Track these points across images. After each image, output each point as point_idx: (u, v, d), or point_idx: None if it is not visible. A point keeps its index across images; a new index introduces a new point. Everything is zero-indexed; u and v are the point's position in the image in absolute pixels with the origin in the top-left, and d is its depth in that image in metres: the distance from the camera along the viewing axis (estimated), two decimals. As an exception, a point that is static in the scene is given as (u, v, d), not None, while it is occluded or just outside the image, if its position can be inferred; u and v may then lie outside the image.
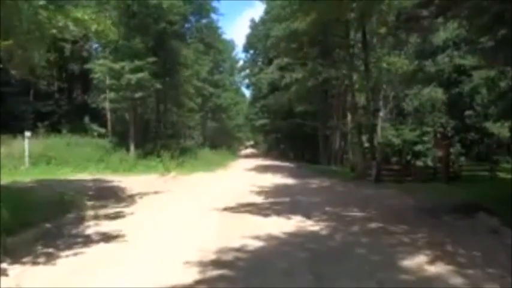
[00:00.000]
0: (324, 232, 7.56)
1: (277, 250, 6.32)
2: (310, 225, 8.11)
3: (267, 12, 43.22)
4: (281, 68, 36.53)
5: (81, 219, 9.04)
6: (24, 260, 5.85)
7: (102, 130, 30.65)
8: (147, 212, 10.20)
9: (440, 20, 15.54)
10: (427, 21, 13.82)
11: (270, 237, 7.02)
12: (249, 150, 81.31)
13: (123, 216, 9.39)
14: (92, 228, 8.16)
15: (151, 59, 22.95)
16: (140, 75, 22.34)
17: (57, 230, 7.99)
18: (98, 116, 32.44)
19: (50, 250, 6.43)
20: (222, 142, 48.13)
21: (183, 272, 5.25)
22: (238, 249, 6.21)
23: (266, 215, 9.34)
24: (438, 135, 29.74)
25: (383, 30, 22.16)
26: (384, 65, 26.97)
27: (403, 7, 14.30)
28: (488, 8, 10.59)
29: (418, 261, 5.56)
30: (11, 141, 21.17)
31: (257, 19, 51.44)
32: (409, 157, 29.40)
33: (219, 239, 6.96)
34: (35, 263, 5.75)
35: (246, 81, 58.58)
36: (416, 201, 11.29)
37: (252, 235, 7.07)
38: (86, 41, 28.96)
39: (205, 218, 9.14)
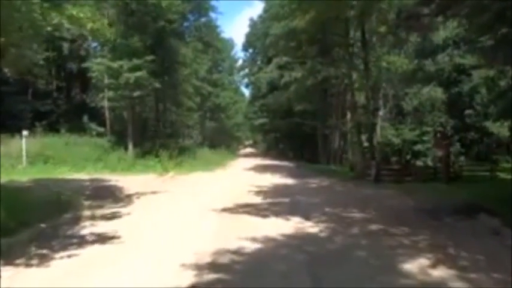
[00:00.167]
0: (323, 234, 7.43)
1: (275, 252, 6.19)
2: (309, 227, 7.98)
3: (265, 10, 43.09)
4: (280, 67, 36.41)
5: (77, 220, 8.92)
6: (18, 261, 5.75)
7: (101, 129, 30.50)
8: (144, 212, 10.09)
9: (440, 18, 15.47)
10: (427, 20, 13.73)
11: (268, 239, 6.90)
12: (248, 150, 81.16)
13: (120, 217, 9.28)
14: (87, 228, 8.05)
15: (150, 58, 22.80)
16: (138, 74, 22.19)
17: (52, 230, 7.87)
18: (96, 115, 32.31)
19: (44, 251, 6.32)
20: (221, 141, 47.99)
21: (178, 275, 5.13)
22: (235, 252, 6.08)
23: (264, 216, 9.22)
24: (438, 135, 29.63)
25: (383, 29, 22.05)
26: (384, 64, 26.86)
27: (403, 5, 14.17)
28: (489, 6, 10.49)
29: (419, 265, 5.43)
30: (8, 140, 21.04)
31: (256, 18, 51.37)
32: (408, 157, 29.31)
33: (217, 240, 6.84)
34: (28, 265, 5.64)
35: (245, 80, 58.54)
36: (416, 202, 11.17)
37: (250, 237, 6.94)
38: (84, 39, 28.83)
39: (203, 219, 9.02)
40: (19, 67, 11.78)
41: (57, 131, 26.81)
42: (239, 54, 60.69)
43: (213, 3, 36.20)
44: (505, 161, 28.77)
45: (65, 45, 30.23)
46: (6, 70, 14.97)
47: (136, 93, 23.29)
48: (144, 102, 27.85)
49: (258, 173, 23.23)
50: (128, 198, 12.16)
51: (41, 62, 30.96)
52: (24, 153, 20.20)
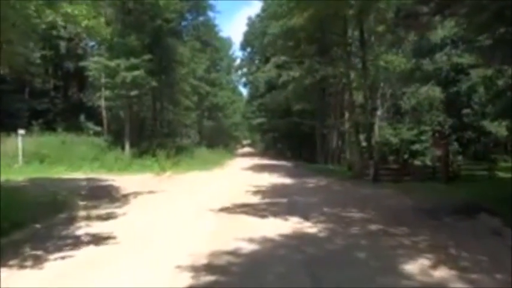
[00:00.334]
0: (322, 234, 7.33)
1: (274, 253, 6.08)
2: (308, 227, 7.88)
3: (263, 9, 43.01)
4: (278, 66, 36.32)
5: (72, 220, 8.81)
6: (11, 262, 5.64)
7: (98, 128, 30.36)
8: (140, 212, 9.98)
9: (438, 17, 15.41)
10: (426, 18, 13.66)
11: (266, 240, 6.79)
12: (246, 149, 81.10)
13: (116, 217, 9.16)
14: (83, 229, 7.93)
15: (147, 57, 22.68)
16: (136, 73, 22.06)
17: (47, 230, 7.77)
18: (93, 114, 32.17)
19: (39, 252, 6.21)
20: (218, 141, 47.90)
21: (174, 276, 5.02)
22: (232, 253, 5.97)
23: (262, 216, 9.11)
24: (436, 135, 29.62)
25: (381, 28, 21.99)
26: (382, 63, 26.80)
27: (402, 4, 14.09)
28: (488, 5, 10.44)
29: (420, 266, 5.34)
30: (5, 139, 20.88)
31: (254, 17, 51.28)
32: (406, 156, 29.27)
33: (214, 241, 6.74)
34: (22, 266, 5.54)
35: (243, 79, 58.46)
36: (415, 202, 11.09)
37: (247, 237, 6.84)
38: (81, 38, 28.68)
39: (200, 219, 8.91)
40: (14, 65, 11.60)
41: (54, 130, 26.65)
42: (237, 53, 60.48)
43: (211, 2, 36.33)
44: (502, 160, 28.80)
45: (62, 44, 30.08)
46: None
47: (133, 93, 23.18)
48: (141, 102, 27.72)
49: (255, 173, 23.14)
50: (124, 198, 12.05)
51: (38, 61, 30.94)
52: (20, 152, 20.04)
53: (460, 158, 27.74)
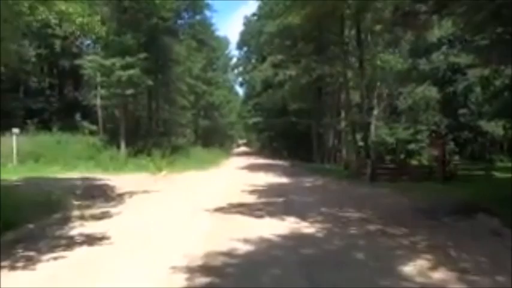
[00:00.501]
0: (319, 234, 7.24)
1: (270, 254, 5.98)
2: (305, 227, 7.78)
3: (260, 8, 42.92)
4: (275, 66, 36.26)
5: (66, 220, 8.69)
6: (2, 263, 5.50)
7: (93, 127, 30.16)
8: (135, 212, 9.87)
9: (435, 17, 15.38)
10: (424, 17, 13.62)
11: (262, 240, 6.69)
12: (241, 149, 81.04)
13: (110, 217, 9.05)
14: (77, 229, 7.81)
15: (143, 55, 22.54)
16: (131, 71, 21.93)
17: (40, 231, 7.64)
18: (89, 114, 31.96)
19: (31, 253, 6.09)
20: (214, 140, 47.80)
21: (169, 278, 4.92)
22: (228, 254, 5.86)
23: (259, 216, 9.01)
24: (433, 135, 29.64)
25: (378, 27, 21.95)
26: (378, 62, 26.79)
27: (400, 2, 14.03)
28: (485, 4, 10.41)
29: (419, 267, 5.25)
30: (-1, 139, 20.69)
31: (250, 16, 51.10)
32: (402, 156, 29.27)
33: (209, 242, 6.62)
34: (13, 267, 5.41)
35: (240, 79, 58.34)
36: (413, 202, 11.03)
37: (243, 238, 6.73)
38: (76, 36, 28.44)
39: (195, 219, 8.80)
40: (7, 63, 11.44)
41: (49, 129, 26.46)
42: (234, 52, 60.34)
43: (208, 1, 35.94)
44: (499, 160, 28.87)
45: (57, 42, 29.84)
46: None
47: (129, 91, 23.02)
48: (137, 101, 27.58)
49: (251, 172, 23.06)
50: (119, 198, 11.94)
51: (33, 59, 30.72)
52: (14, 151, 19.86)
53: (456, 157, 27.76)
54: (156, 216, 9.33)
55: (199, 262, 5.49)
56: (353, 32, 23.05)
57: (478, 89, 28.84)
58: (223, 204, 10.51)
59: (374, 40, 26.13)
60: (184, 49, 30.09)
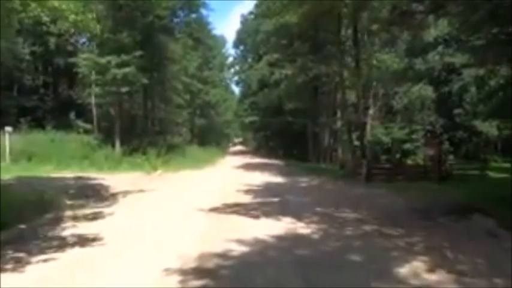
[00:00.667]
0: (315, 235, 7.15)
1: (265, 256, 5.89)
2: (301, 228, 7.70)
3: (257, 6, 42.79)
4: (271, 65, 36.17)
5: (58, 220, 8.57)
6: (-8, 265, 5.38)
7: (88, 126, 29.94)
8: (128, 212, 9.74)
9: (431, 16, 15.36)
10: (420, 17, 13.60)
11: (257, 241, 6.60)
12: (237, 148, 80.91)
13: (103, 217, 8.92)
14: (69, 230, 7.70)
15: (138, 53, 22.37)
16: (127, 70, 21.74)
17: (32, 231, 7.51)
18: (84, 112, 31.74)
19: (21, 254, 5.98)
20: (210, 139, 47.64)
21: (162, 280, 4.83)
22: (222, 255, 5.77)
23: (254, 217, 8.92)
24: (428, 135, 29.72)
25: (374, 27, 21.91)
26: (374, 62, 26.78)
27: (397, 2, 13.99)
28: (482, 4, 10.39)
29: (416, 269, 5.19)
30: (-9, 137, 20.45)
31: (247, 14, 50.97)
32: (398, 155, 29.32)
33: (203, 243, 6.53)
34: (1, 270, 5.27)
35: (236, 77, 58.20)
36: (409, 202, 10.99)
37: (238, 239, 6.64)
38: (71, 34, 28.22)
39: (190, 219, 8.69)
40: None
41: (43, 127, 26.23)
42: (230, 51, 60.08)
43: (204, 0, 35.60)
44: (493, 159, 28.97)
45: (52, 40, 29.59)
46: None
47: (124, 89, 22.83)
48: (132, 99, 27.40)
49: (247, 171, 22.96)
50: (112, 197, 11.80)
51: (27, 57, 30.44)
52: (7, 150, 19.63)
53: (451, 157, 27.85)
54: (150, 216, 9.22)
55: (193, 264, 5.40)
56: (349, 31, 22.99)
57: (473, 89, 28.97)
58: (218, 204, 10.41)
59: (370, 39, 26.13)
60: (180, 47, 29.89)
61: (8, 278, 5.00)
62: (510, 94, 15.41)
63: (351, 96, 26.01)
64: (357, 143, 23.16)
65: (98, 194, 12.37)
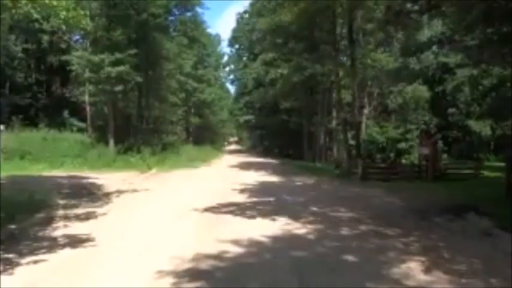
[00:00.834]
0: (311, 236, 7.07)
1: (260, 257, 5.80)
2: (296, 228, 7.61)
3: (252, 4, 42.68)
4: (266, 64, 36.10)
5: (50, 220, 8.42)
6: (-21, 268, 5.26)
7: (82, 124, 29.71)
8: (121, 212, 9.60)
9: (426, 17, 15.38)
10: (415, 16, 13.60)
11: (252, 242, 6.51)
12: (233, 147, 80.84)
13: (96, 217, 8.77)
14: (60, 230, 7.56)
15: (133, 51, 22.19)
16: (121, 68, 21.56)
17: (22, 232, 7.36)
18: (77, 110, 31.48)
19: (10, 255, 5.84)
20: (205, 138, 47.47)
21: (154, 283, 4.73)
22: (217, 257, 5.67)
23: (249, 217, 8.82)
24: (422, 134, 29.79)
25: (369, 26, 21.92)
26: (369, 61, 26.79)
27: (392, 1, 13.98)
28: (477, 4, 10.40)
29: (413, 270, 5.13)
30: (-18, 135, 20.20)
31: (242, 13, 50.80)
32: (392, 154, 29.38)
33: (197, 244, 6.41)
34: (-11, 272, 5.16)
35: (231, 76, 58.03)
36: (404, 201, 10.96)
37: (233, 239, 6.56)
38: (64, 31, 27.97)
39: (184, 219, 8.57)
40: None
41: (35, 125, 25.97)
42: (225, 49, 59.94)
43: (199, -1, 35.33)
44: (486, 159, 29.11)
45: (45, 38, 29.32)
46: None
47: (118, 88, 22.63)
48: (127, 97, 27.18)
49: (242, 170, 22.88)
50: (105, 197, 11.63)
51: (20, 54, 30.15)
52: (-1, 148, 19.41)
53: (445, 156, 27.96)
54: (143, 216, 9.09)
55: (186, 266, 5.29)
56: (345, 30, 22.98)
57: (466, 89, 29.08)
58: (213, 203, 10.30)
59: (365, 39, 26.14)
60: (175, 46, 29.73)
61: (-4, 280, 4.88)
62: (503, 94, 15.49)
63: (346, 96, 26.01)
64: (352, 142, 23.16)
65: (91, 194, 12.21)
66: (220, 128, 61.13)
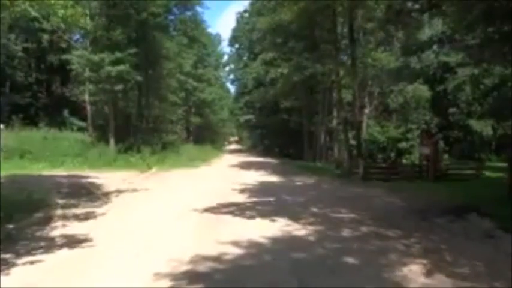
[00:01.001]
0: (311, 237, 7.00)
1: (260, 259, 5.74)
2: (296, 229, 7.53)
3: (252, 4, 42.59)
4: (266, 63, 36.02)
5: (48, 220, 8.37)
6: (-26, 268, 5.19)
7: (82, 124, 29.66)
8: (120, 212, 9.54)
9: (427, 15, 15.30)
10: (416, 15, 13.53)
11: (252, 244, 6.44)
12: (233, 146, 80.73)
13: (94, 217, 8.71)
14: (58, 230, 7.51)
15: (133, 51, 22.14)
16: (121, 67, 21.50)
17: (19, 232, 7.31)
18: (78, 109, 31.42)
19: (7, 256, 5.78)
20: (206, 137, 47.40)
21: (151, 285, 4.66)
22: (216, 259, 5.60)
23: (249, 217, 8.75)
24: (424, 134, 29.70)
25: (370, 25, 21.83)
26: (370, 60, 26.70)
27: (392, 0, 13.91)
28: (477, 3, 10.33)
29: (414, 273, 5.06)
30: (-18, 134, 20.15)
31: (243, 12, 50.71)
32: (393, 154, 29.29)
33: (196, 245, 6.34)
34: (-14, 272, 5.10)
35: (231, 76, 57.94)
36: (405, 202, 10.89)
37: (232, 241, 6.49)
38: (64, 31, 27.92)
39: (183, 220, 8.50)
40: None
41: (35, 125, 25.92)
42: (226, 49, 59.81)
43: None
44: (487, 159, 29.01)
45: (45, 37, 29.28)
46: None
47: (118, 87, 22.58)
48: (127, 97, 27.12)
49: (243, 170, 22.81)
50: (105, 197, 11.56)
51: (20, 54, 30.10)
52: (-1, 147, 19.36)
53: (446, 156, 27.88)
54: (142, 216, 9.02)
55: (185, 268, 5.23)
56: (345, 29, 22.90)
57: (467, 88, 28.94)
58: (213, 204, 10.23)
59: (366, 38, 26.04)
60: (175, 45, 29.67)
61: (-8, 280, 4.83)
62: (504, 93, 15.39)
63: (347, 95, 25.93)
64: (353, 141, 23.07)
65: (90, 193, 12.15)
66: (220, 128, 61.05)
